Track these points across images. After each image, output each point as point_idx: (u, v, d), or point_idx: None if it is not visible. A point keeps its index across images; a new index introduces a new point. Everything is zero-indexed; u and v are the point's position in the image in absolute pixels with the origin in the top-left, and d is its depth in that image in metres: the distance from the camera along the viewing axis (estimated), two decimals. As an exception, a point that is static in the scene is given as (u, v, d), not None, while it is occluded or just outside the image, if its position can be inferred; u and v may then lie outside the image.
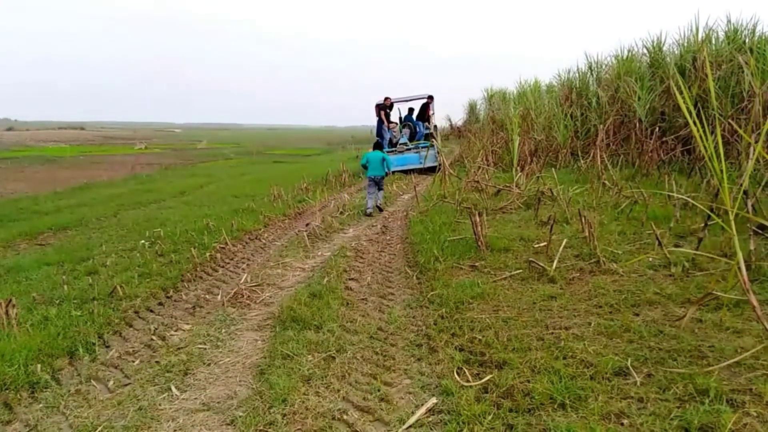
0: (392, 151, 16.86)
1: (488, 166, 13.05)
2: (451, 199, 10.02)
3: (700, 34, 12.42)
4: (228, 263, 7.27)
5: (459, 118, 41.33)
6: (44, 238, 9.72)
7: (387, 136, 18.06)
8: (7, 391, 3.77)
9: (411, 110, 19.95)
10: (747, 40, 11.61)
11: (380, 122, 18.47)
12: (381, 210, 11.11)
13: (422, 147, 17.31)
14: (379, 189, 11.28)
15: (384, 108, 18.30)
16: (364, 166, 11.27)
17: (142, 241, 8.47)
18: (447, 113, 43.42)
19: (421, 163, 16.68)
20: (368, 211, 10.80)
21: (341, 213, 10.47)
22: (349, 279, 6.17)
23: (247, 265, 7.16)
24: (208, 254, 7.41)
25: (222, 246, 7.89)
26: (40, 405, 3.66)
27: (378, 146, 11.91)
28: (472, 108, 38.45)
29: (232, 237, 8.38)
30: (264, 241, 8.65)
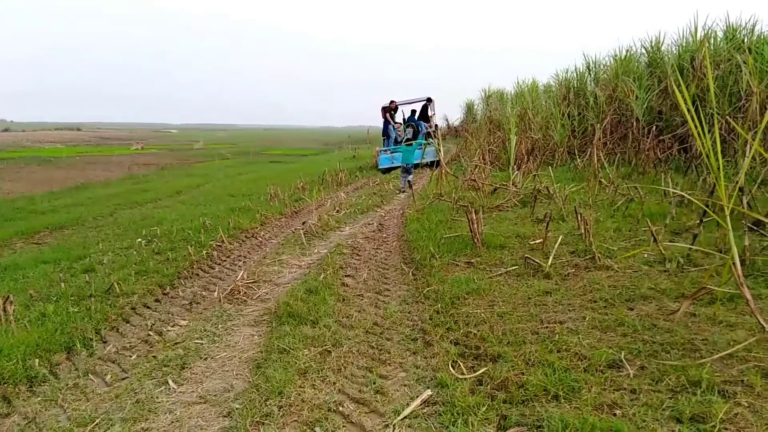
0: (397, 149, 18.36)
1: (485, 164, 13.08)
2: (448, 197, 10.04)
3: (699, 34, 12.45)
4: (224, 261, 7.29)
5: (456, 117, 41.41)
6: (41, 237, 9.76)
7: (392, 135, 19.86)
8: (6, 385, 3.79)
9: (414, 111, 21.13)
10: (746, 39, 11.63)
11: (386, 123, 20.18)
12: (411, 186, 13.39)
13: (422, 144, 17.96)
14: (409, 173, 14.38)
15: (389, 110, 19.63)
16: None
17: (139, 240, 8.51)
18: (444, 113, 43.34)
19: (422, 158, 17.39)
20: (401, 187, 14.02)
21: (338, 211, 10.47)
22: (346, 275, 6.18)
23: (244, 262, 7.19)
24: (204, 252, 7.44)
25: (219, 244, 7.91)
26: (39, 398, 3.69)
27: (416, 139, 16.85)
28: (469, 108, 38.39)
29: (229, 235, 8.41)
30: (260, 239, 8.67)
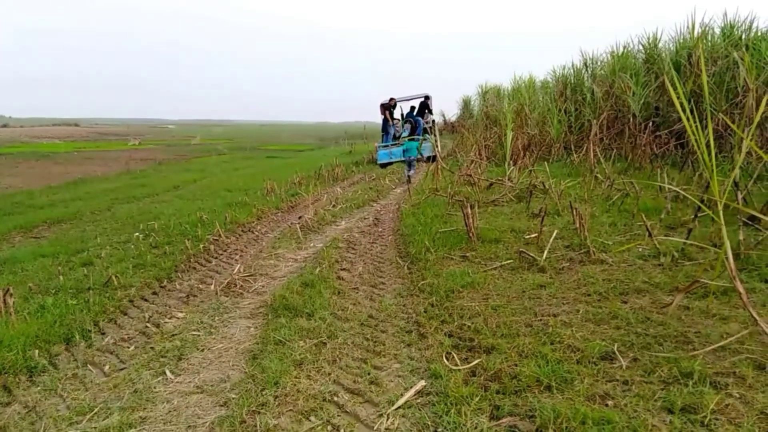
0: (395, 144, 18.57)
1: (481, 160, 13.11)
2: (444, 192, 10.06)
3: (696, 31, 12.48)
4: (221, 254, 7.32)
5: (453, 113, 41.48)
6: (39, 231, 9.79)
7: (391, 131, 20.00)
8: (6, 375, 3.84)
9: (413, 108, 21.47)
10: (743, 36, 11.66)
11: (385, 119, 20.32)
12: (409, 180, 14.35)
13: (419, 139, 18.29)
14: (411, 165, 15.61)
15: (388, 107, 20.16)
16: (404, 151, 16.40)
17: (137, 234, 8.53)
18: (441, 109, 43.29)
19: (420, 153, 17.74)
20: (407, 176, 14.95)
21: (334, 206, 10.50)
22: (341, 269, 6.21)
23: (240, 256, 7.21)
24: (201, 246, 7.46)
25: (215, 238, 7.94)
26: (39, 388, 3.73)
27: (415, 134, 17.99)
28: (466, 104, 38.49)
29: (226, 229, 8.43)
30: (257, 233, 8.70)
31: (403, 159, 17.05)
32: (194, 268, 6.69)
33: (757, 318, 3.33)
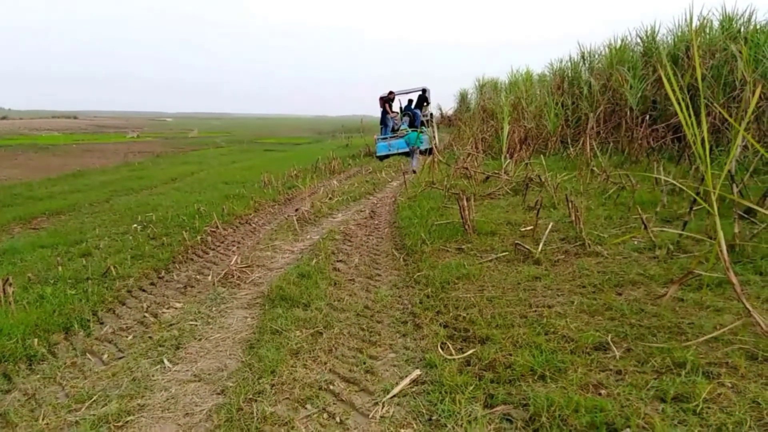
0: (394, 137, 19.24)
1: (478, 153, 13.11)
2: (440, 185, 10.08)
3: (695, 23, 12.45)
4: (219, 246, 7.34)
5: (450, 107, 41.51)
6: (38, 222, 9.80)
7: (390, 123, 20.70)
8: (6, 363, 3.88)
9: (410, 101, 21.84)
10: (742, 29, 11.64)
11: (384, 112, 20.95)
12: (415, 172, 14.11)
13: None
14: (413, 156, 16.36)
15: (387, 100, 20.84)
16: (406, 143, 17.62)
17: (135, 225, 8.54)
18: (438, 102, 43.30)
19: (418, 145, 18.03)
20: (413, 168, 15.03)
21: (330, 198, 10.50)
22: (337, 261, 6.24)
23: (238, 247, 7.23)
24: (199, 237, 7.48)
25: (213, 230, 7.95)
26: (38, 376, 3.75)
27: (413, 127, 19.17)
28: (463, 97, 38.49)
29: (223, 221, 8.45)
30: (254, 225, 8.72)
31: (404, 150, 17.72)
32: (192, 260, 6.72)
33: (751, 309, 3.36)
